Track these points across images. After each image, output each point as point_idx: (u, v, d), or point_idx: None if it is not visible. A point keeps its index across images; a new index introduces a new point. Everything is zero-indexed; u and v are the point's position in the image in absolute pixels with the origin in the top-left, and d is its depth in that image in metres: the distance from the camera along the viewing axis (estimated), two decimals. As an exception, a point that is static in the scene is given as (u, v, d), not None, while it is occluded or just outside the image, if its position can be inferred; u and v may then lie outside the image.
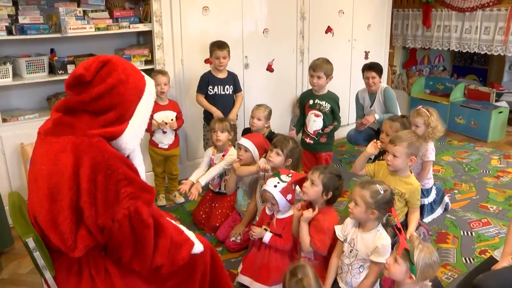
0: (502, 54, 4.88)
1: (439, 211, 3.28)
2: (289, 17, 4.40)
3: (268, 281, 2.45)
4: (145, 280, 1.68)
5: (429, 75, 6.43)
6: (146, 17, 3.63)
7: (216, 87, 3.58)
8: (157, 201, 3.55)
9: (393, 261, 1.81)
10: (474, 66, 6.57)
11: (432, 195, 3.20)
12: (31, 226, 1.53)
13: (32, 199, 1.56)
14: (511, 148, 4.81)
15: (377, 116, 3.93)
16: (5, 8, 2.98)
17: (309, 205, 2.43)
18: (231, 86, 3.65)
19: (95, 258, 1.60)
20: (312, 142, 3.56)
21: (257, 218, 2.77)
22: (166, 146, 3.44)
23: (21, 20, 3.06)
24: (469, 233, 3.07)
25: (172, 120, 3.38)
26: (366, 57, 5.12)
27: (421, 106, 3.13)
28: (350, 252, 2.20)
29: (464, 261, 2.74)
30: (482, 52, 5.05)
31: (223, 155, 3.11)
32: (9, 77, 3.11)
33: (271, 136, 3.26)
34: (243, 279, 2.52)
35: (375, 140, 2.65)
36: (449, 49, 5.42)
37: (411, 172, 2.56)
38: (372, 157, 3.12)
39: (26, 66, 3.18)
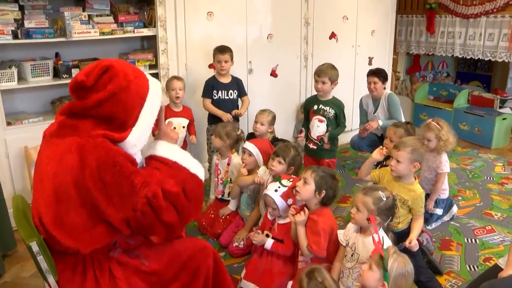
0: (506, 60, 4.87)
1: (444, 219, 3.27)
2: (293, 22, 4.41)
3: (271, 287, 2.44)
4: (148, 283, 1.68)
5: (432, 81, 6.43)
6: (150, 22, 3.65)
7: (220, 91, 3.59)
8: None
9: (367, 268, 1.82)
10: (478, 72, 6.55)
11: (444, 207, 3.21)
12: (35, 230, 1.53)
13: (37, 200, 1.57)
14: (515, 155, 4.80)
15: (380, 122, 3.92)
16: (11, 12, 3.00)
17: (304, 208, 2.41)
18: (235, 91, 3.67)
19: (100, 259, 1.61)
20: (315, 147, 3.56)
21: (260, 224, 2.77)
22: None
23: (27, 24, 3.08)
24: (473, 240, 3.06)
25: (183, 127, 3.39)
26: (370, 63, 5.12)
27: (431, 120, 3.13)
28: (352, 256, 2.19)
29: (468, 269, 2.73)
30: (486, 59, 5.04)
31: (228, 164, 3.11)
32: (14, 80, 3.12)
33: (274, 141, 3.26)
34: (246, 284, 2.50)
35: (381, 146, 2.64)
36: (453, 55, 5.41)
37: (416, 179, 2.55)
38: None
39: (31, 70, 3.20)
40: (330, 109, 3.50)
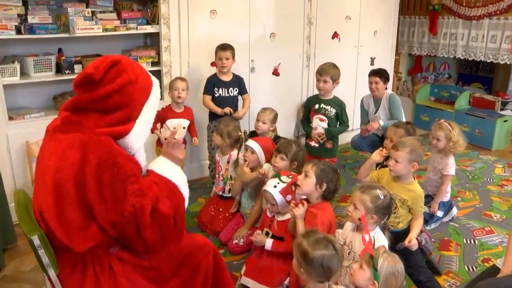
0: (508, 62, 4.87)
1: (444, 220, 3.28)
2: (296, 22, 4.42)
3: (272, 283, 2.45)
4: (148, 279, 1.69)
5: (434, 83, 6.43)
6: (153, 19, 3.65)
7: (220, 89, 3.60)
8: None
9: (358, 267, 1.84)
10: (480, 74, 6.55)
11: (445, 209, 3.22)
12: (36, 224, 1.54)
13: (38, 194, 1.58)
14: (516, 157, 4.80)
15: (381, 122, 3.93)
16: (15, 7, 3.01)
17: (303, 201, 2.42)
18: (236, 89, 3.67)
19: (100, 255, 1.62)
20: (317, 145, 3.56)
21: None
22: None
23: (30, 19, 3.09)
24: (472, 241, 3.06)
25: (184, 128, 3.41)
26: (372, 63, 5.13)
27: (443, 120, 3.17)
28: (348, 254, 2.20)
29: (467, 269, 2.73)
30: (488, 61, 5.04)
31: (228, 162, 3.12)
32: (16, 75, 3.13)
33: (276, 140, 3.27)
34: (247, 281, 2.52)
35: (381, 148, 2.65)
36: (455, 57, 5.41)
37: (415, 179, 2.56)
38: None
39: (34, 65, 3.21)
40: (331, 108, 3.52)
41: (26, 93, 3.43)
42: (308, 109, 3.76)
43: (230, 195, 3.15)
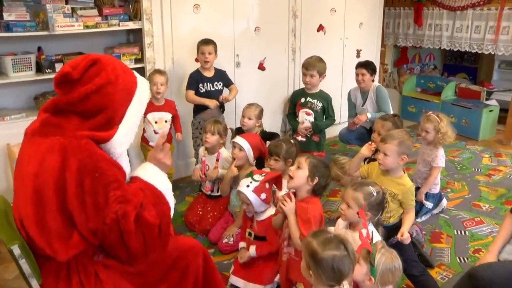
0: (492, 53, 4.89)
1: (434, 212, 3.28)
2: (281, 15, 4.36)
3: (262, 281, 2.43)
4: (136, 285, 1.63)
5: (420, 74, 6.44)
6: (136, 15, 3.57)
7: (205, 84, 3.54)
8: None
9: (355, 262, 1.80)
10: (465, 64, 6.59)
11: (435, 201, 3.21)
12: (17, 232, 1.47)
13: (18, 201, 1.51)
14: (502, 146, 4.82)
15: (369, 115, 3.90)
16: (-11, 4, 2.91)
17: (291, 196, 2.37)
18: (220, 83, 3.61)
19: (84, 263, 1.55)
20: (304, 139, 3.53)
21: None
22: None
23: (6, 17, 2.99)
24: (462, 232, 3.07)
25: (166, 122, 3.34)
26: (358, 56, 5.10)
27: (431, 112, 3.17)
28: None
29: (458, 261, 2.73)
30: (473, 51, 5.05)
31: (217, 160, 3.06)
32: (-6, 75, 3.04)
33: (263, 136, 3.22)
34: (236, 280, 2.49)
35: (369, 142, 2.62)
36: (440, 47, 5.41)
37: (404, 172, 2.53)
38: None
39: (12, 64, 3.11)
40: (318, 102, 3.49)
41: (5, 93, 3.32)
42: (294, 103, 3.72)
43: (218, 193, 3.09)
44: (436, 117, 3.06)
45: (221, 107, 3.65)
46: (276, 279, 2.46)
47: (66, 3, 3.23)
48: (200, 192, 3.35)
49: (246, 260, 2.47)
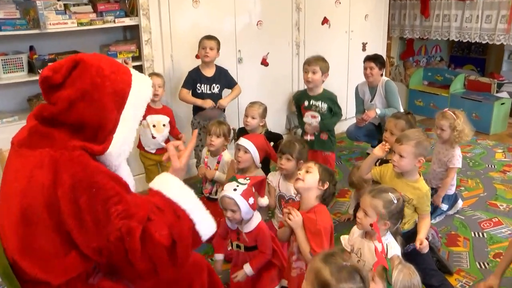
0: (504, 43, 4.69)
1: (449, 213, 3.12)
2: (284, 8, 4.19)
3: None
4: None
5: (426, 66, 6.26)
6: (132, 11, 3.40)
7: (203, 85, 3.38)
8: None
9: (370, 279, 1.64)
10: (472, 55, 6.40)
11: (450, 203, 3.06)
12: (1, 255, 1.32)
13: (2, 221, 1.35)
14: (514, 140, 4.67)
15: (378, 111, 3.74)
16: (-24, 2, 2.75)
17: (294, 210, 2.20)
18: (218, 85, 3.44)
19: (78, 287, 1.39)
20: (313, 138, 3.32)
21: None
22: (154, 151, 3.22)
23: (-5, 15, 2.83)
24: (480, 234, 2.91)
25: (164, 125, 3.18)
26: (364, 49, 4.93)
27: (447, 109, 3.01)
28: (357, 262, 2.01)
29: (479, 266, 2.57)
30: (484, 42, 4.86)
31: (218, 162, 2.90)
32: (-16, 77, 2.88)
33: (268, 136, 3.06)
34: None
35: (383, 142, 2.46)
36: (448, 39, 5.23)
37: (420, 175, 2.37)
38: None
39: (3, 65, 2.97)
40: (323, 103, 3.27)
41: (-3, 95, 3.18)
42: (297, 106, 3.52)
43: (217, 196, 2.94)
44: (452, 114, 2.89)
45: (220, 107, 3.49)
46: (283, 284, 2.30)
47: (58, -1, 3.07)
48: (202, 195, 3.20)
49: (242, 280, 2.23)
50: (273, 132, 3.31)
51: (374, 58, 3.86)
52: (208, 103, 3.30)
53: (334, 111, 3.32)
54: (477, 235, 2.90)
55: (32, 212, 1.28)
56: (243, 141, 2.68)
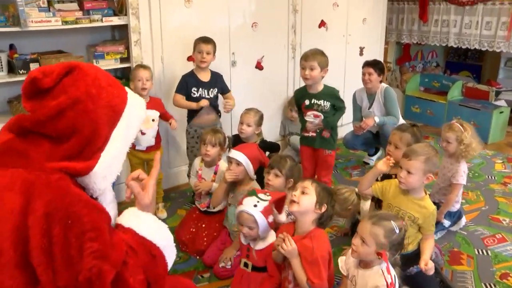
0: (504, 50, 4.60)
1: (451, 230, 2.98)
2: (280, 10, 4.03)
3: None
4: None
5: (422, 72, 6.15)
6: (121, 9, 3.21)
7: (200, 89, 3.19)
8: (157, 213, 3.14)
9: None
10: (468, 62, 6.30)
11: (454, 219, 2.91)
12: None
13: None
14: (513, 150, 4.56)
15: (377, 119, 3.59)
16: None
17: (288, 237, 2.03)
18: (215, 89, 3.27)
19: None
20: (314, 134, 3.12)
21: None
22: (144, 148, 3.04)
23: (-29, 11, 2.63)
24: (484, 251, 2.77)
25: (153, 120, 3.00)
26: (361, 54, 4.80)
27: (455, 120, 2.86)
28: None
29: (485, 288, 2.44)
30: (484, 49, 4.76)
31: (215, 173, 2.73)
32: (-41, 78, 2.68)
33: (263, 145, 2.90)
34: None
35: (387, 157, 2.30)
36: (447, 45, 5.11)
37: (426, 193, 2.23)
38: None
39: (-20, 65, 2.76)
40: (325, 101, 3.04)
41: (-27, 97, 2.97)
42: (298, 105, 3.32)
43: (216, 210, 2.77)
44: (460, 126, 2.74)
45: (217, 111, 3.32)
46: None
47: (42, -5, 2.87)
48: (193, 206, 3.03)
49: None
50: (268, 141, 3.15)
51: (373, 64, 3.72)
52: (204, 103, 3.12)
53: (337, 106, 3.12)
54: (481, 252, 2.76)
55: None
56: (234, 153, 2.51)
